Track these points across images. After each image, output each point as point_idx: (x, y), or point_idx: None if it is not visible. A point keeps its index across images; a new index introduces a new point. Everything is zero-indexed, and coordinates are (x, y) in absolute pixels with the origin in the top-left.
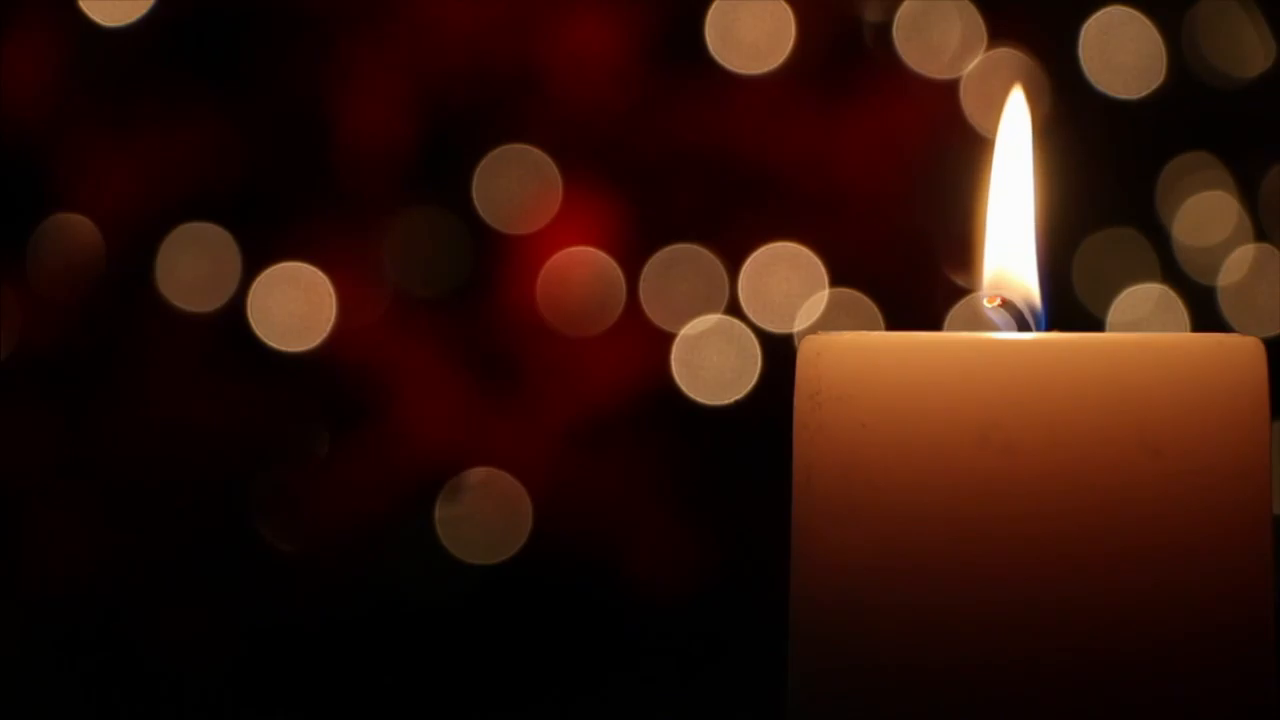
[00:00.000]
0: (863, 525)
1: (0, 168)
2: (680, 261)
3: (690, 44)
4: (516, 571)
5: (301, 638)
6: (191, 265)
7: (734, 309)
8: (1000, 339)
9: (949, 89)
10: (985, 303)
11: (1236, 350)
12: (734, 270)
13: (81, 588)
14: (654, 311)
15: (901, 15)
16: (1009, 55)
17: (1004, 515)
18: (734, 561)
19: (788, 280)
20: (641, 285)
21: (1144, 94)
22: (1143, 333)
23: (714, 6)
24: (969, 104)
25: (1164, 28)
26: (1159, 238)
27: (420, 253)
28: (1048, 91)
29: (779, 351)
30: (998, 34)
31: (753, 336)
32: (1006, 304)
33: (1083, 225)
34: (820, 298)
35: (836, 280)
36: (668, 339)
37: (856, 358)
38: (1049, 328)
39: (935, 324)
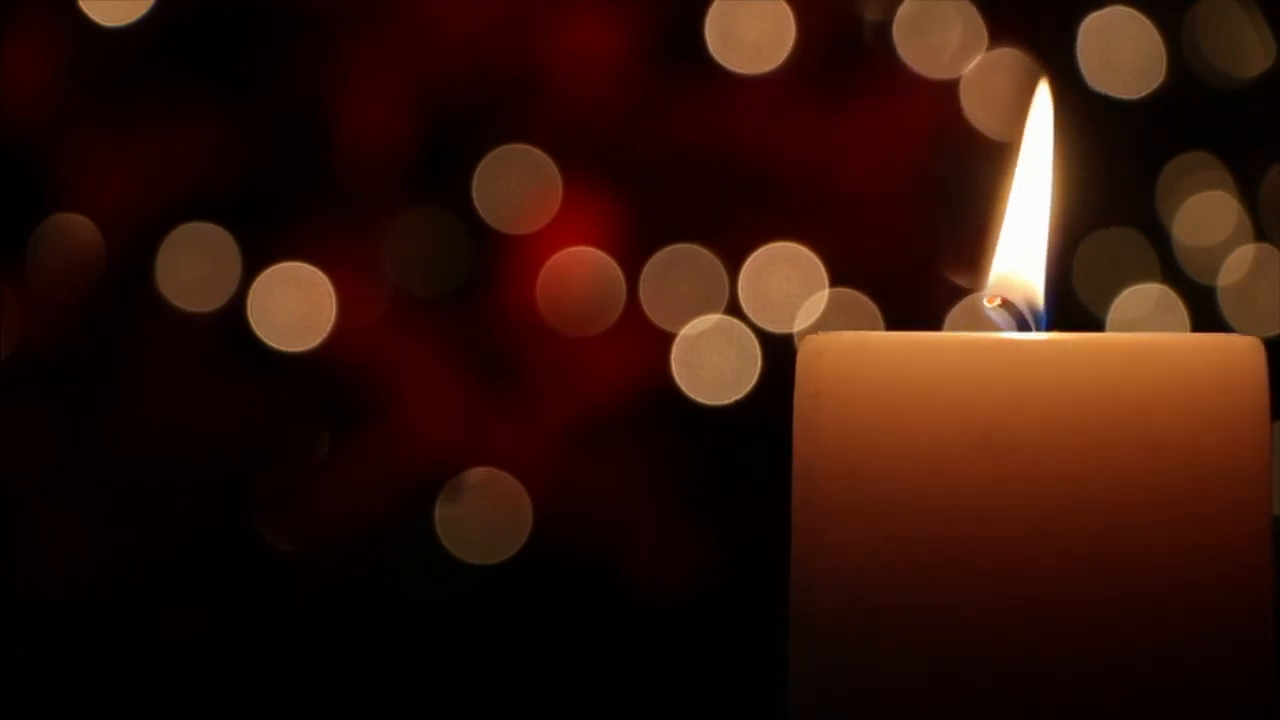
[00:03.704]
0: (863, 525)
1: (0, 168)
2: (680, 261)
3: (690, 44)
4: (516, 571)
5: (301, 638)
6: (191, 265)
7: (734, 309)
8: (1000, 339)
9: (949, 89)
10: (985, 303)
11: (1236, 350)
12: (734, 270)
13: (81, 588)
14: (654, 311)
15: (901, 15)
16: (1009, 55)
17: (1004, 515)
18: (734, 561)
19: (788, 280)
20: (641, 285)
21: (1144, 94)
22: (1143, 333)
23: (714, 6)
24: (969, 104)
25: (1164, 28)
26: (1159, 238)
27: (420, 253)
28: (1056, 87)
29: (779, 351)
30: (998, 34)
31: (753, 336)
32: (1007, 304)
33: (1083, 225)
34: (820, 298)
35: (836, 280)
36: (668, 339)
37: (856, 358)
38: (1049, 328)
39: (935, 324)
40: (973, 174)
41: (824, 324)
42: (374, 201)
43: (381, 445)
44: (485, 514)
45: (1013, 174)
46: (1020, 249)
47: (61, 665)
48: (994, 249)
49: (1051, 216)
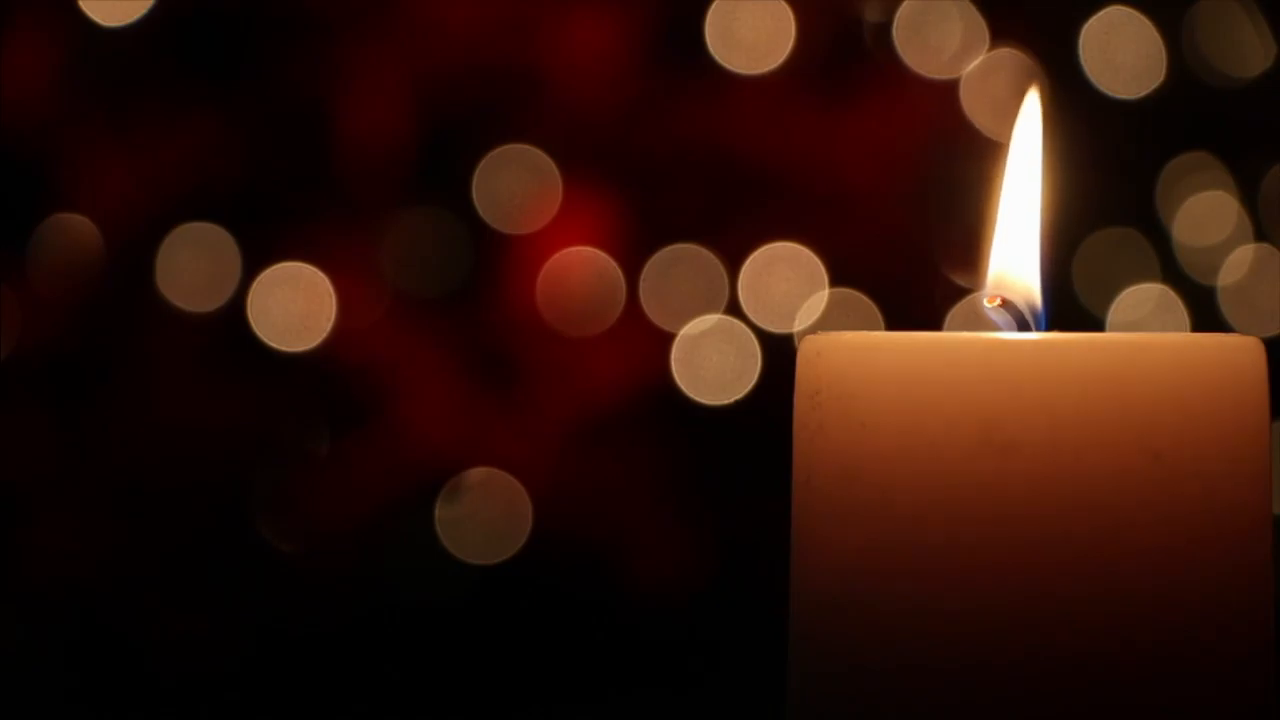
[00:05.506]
0: (863, 525)
1: (0, 168)
2: (680, 261)
3: (690, 44)
4: (516, 571)
5: (301, 638)
6: (191, 265)
7: (734, 309)
8: (1000, 339)
9: (949, 89)
10: (985, 303)
11: (1236, 350)
12: (734, 270)
13: (81, 588)
14: (654, 311)
15: (901, 15)
16: (1009, 55)
17: (1004, 515)
18: (734, 561)
19: (788, 280)
20: (641, 285)
21: (1144, 94)
22: (1143, 333)
23: (714, 6)
24: (969, 104)
25: (1164, 28)
26: (1159, 238)
27: (420, 253)
28: (1048, 91)
29: (779, 351)
30: (998, 34)
31: (753, 336)
32: (1006, 304)
33: (1083, 225)
34: (820, 298)
35: (836, 280)
36: (668, 339)
37: (856, 358)
38: (1049, 328)
39: (935, 324)
40: (973, 174)
41: (824, 324)
42: (374, 201)
43: (381, 445)
44: (485, 514)
45: (1003, 175)
46: (1015, 249)
47: (61, 665)
48: (989, 249)
49: (1044, 217)
